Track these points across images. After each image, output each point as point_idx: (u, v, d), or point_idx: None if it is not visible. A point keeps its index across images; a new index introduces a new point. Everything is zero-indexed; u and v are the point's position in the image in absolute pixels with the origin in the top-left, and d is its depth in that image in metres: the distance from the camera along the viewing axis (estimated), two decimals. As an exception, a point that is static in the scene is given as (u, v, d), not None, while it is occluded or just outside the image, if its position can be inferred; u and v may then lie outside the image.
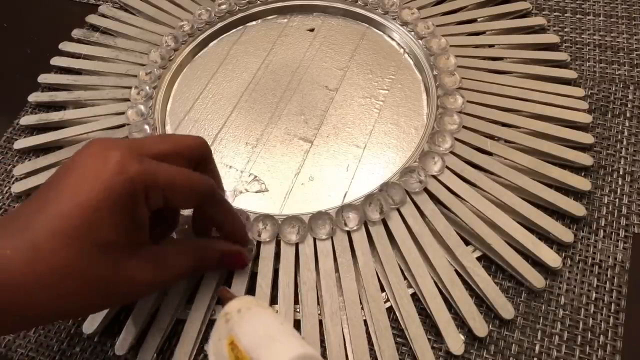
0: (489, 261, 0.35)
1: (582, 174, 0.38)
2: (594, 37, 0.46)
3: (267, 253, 0.35)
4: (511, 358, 0.32)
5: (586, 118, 0.40)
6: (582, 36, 0.46)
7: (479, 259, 0.35)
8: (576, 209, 0.36)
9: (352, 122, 0.42)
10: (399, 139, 0.41)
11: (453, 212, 0.36)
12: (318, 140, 0.42)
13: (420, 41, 0.45)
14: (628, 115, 0.41)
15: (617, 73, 0.44)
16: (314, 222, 0.36)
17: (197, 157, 0.31)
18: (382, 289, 0.34)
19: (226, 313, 0.25)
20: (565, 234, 0.35)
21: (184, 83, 0.47)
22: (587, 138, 0.39)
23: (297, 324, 0.33)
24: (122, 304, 0.34)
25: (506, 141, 0.39)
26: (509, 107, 0.41)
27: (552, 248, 0.35)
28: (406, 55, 0.46)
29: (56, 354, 0.34)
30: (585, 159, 0.38)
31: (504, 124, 0.40)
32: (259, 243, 0.36)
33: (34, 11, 0.56)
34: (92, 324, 0.34)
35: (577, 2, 0.49)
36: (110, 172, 0.25)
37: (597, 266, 0.35)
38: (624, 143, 0.40)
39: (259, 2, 0.50)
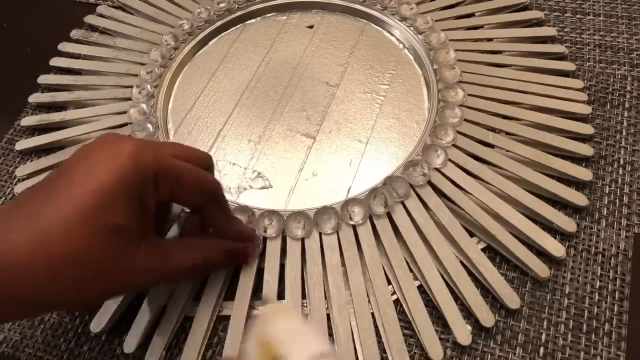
0: (494, 252, 0.35)
1: (583, 165, 0.38)
2: (594, 37, 0.46)
3: (273, 248, 0.35)
4: (518, 347, 0.32)
5: (585, 109, 0.40)
6: (582, 36, 0.46)
7: (483, 250, 0.35)
8: (578, 198, 0.36)
9: (353, 118, 0.43)
10: (400, 133, 0.41)
11: (457, 205, 0.36)
12: (320, 136, 0.42)
13: (419, 36, 0.46)
14: (627, 106, 0.42)
15: (617, 73, 0.44)
16: (319, 217, 0.36)
17: (204, 166, 0.32)
18: (389, 282, 0.34)
19: (261, 315, 0.27)
20: (568, 224, 0.35)
21: (185, 81, 0.47)
22: (587, 129, 0.39)
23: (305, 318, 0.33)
24: (127, 292, 0.34)
25: (507, 133, 0.40)
26: (510, 99, 0.41)
27: (555, 238, 0.35)
28: (406, 50, 0.47)
29: (64, 353, 0.35)
30: (586, 150, 0.38)
31: (505, 117, 0.40)
32: (265, 239, 0.36)
33: (33, 11, 0.55)
34: (99, 322, 0.34)
35: (577, 2, 0.49)
36: (124, 158, 0.26)
37: (600, 255, 0.35)
38: (624, 133, 0.40)
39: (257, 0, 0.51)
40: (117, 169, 0.25)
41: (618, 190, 0.38)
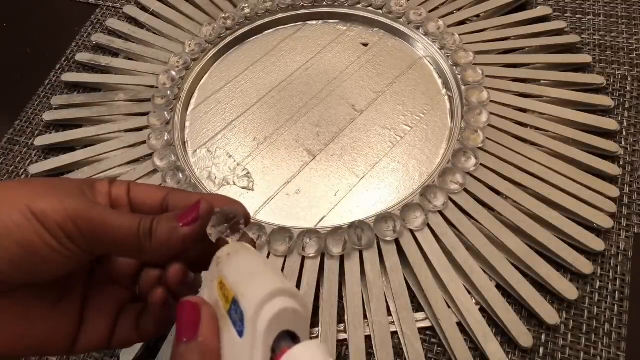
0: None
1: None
2: (594, 37, 0.46)
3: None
4: (517, 350, 0.32)
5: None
6: (582, 36, 0.46)
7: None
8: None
9: (361, 149, 0.41)
10: (399, 179, 0.40)
11: (421, 266, 0.34)
12: (321, 156, 0.41)
13: (463, 87, 0.43)
14: (627, 106, 0.42)
15: (617, 73, 0.44)
16: (273, 236, 0.36)
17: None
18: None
19: (218, 257, 0.25)
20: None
21: (225, 63, 0.48)
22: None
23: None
24: None
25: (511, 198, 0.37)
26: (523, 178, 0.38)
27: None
28: (446, 97, 0.44)
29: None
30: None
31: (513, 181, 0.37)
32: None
33: (34, 11, 0.55)
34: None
35: (577, 2, 0.49)
36: (13, 204, 0.22)
37: (600, 255, 0.35)
38: (624, 133, 0.40)
39: (325, 3, 0.50)
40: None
41: (618, 190, 0.37)
